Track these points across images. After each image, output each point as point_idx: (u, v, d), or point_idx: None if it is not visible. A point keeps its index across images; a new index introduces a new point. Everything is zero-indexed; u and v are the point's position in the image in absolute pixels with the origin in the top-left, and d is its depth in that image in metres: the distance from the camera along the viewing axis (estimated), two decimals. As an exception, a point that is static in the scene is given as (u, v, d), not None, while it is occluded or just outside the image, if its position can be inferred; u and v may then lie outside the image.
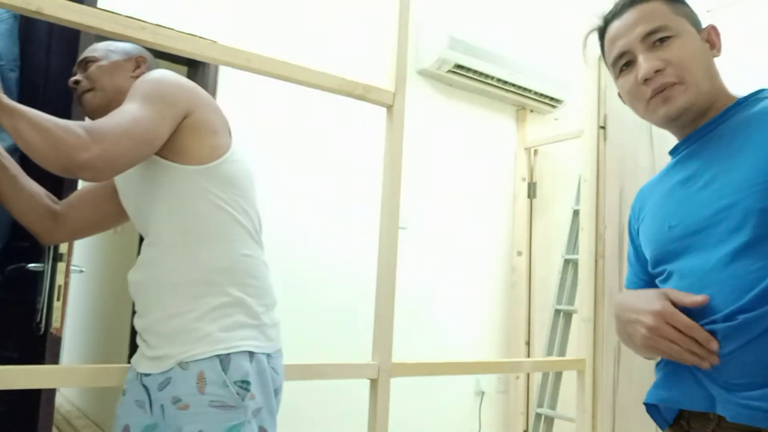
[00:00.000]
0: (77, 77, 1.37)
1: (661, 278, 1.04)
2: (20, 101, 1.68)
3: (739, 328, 0.86)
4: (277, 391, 1.27)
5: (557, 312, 3.05)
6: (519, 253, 3.40)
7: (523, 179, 3.44)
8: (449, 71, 3.03)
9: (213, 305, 1.20)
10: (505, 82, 3.18)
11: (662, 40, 0.98)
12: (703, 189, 0.96)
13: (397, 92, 1.79)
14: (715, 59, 1.03)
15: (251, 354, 1.19)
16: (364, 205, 2.76)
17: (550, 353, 3.02)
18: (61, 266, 1.68)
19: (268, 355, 1.24)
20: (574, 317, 2.98)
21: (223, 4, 2.49)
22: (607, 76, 2.59)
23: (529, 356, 3.32)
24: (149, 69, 1.37)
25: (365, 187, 2.79)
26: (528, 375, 3.30)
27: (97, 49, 1.39)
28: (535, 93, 3.30)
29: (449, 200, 3.18)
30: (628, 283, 1.21)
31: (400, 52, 1.81)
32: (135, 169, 1.26)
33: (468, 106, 3.29)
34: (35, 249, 1.70)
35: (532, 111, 3.48)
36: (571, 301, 3.02)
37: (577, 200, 3.01)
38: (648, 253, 1.07)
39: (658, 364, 1.05)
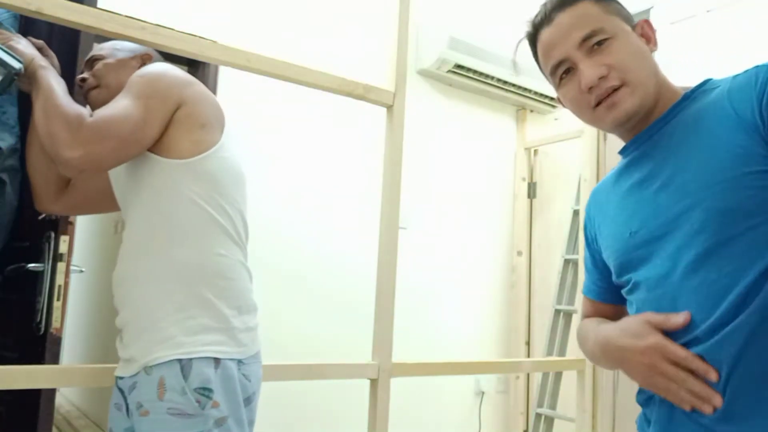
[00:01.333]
0: (84, 75, 1.38)
1: (626, 288, 0.99)
2: (20, 101, 1.69)
3: (723, 342, 0.81)
4: (249, 399, 1.22)
5: (557, 312, 3.05)
6: (519, 253, 3.40)
7: (523, 179, 3.44)
8: (449, 71, 3.03)
9: (179, 305, 1.16)
10: (505, 82, 3.18)
11: (600, 43, 0.93)
12: (661, 190, 0.92)
13: (397, 92, 1.79)
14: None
15: (216, 360, 1.14)
16: (364, 205, 2.76)
17: (550, 353, 3.02)
18: (61, 266, 1.68)
19: (239, 361, 1.19)
20: (574, 317, 2.98)
21: (223, 4, 2.49)
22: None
23: (529, 356, 3.32)
24: None
25: (365, 187, 2.79)
26: (528, 375, 3.30)
27: (103, 47, 1.40)
28: (535, 93, 3.30)
29: (449, 200, 3.18)
30: (586, 290, 1.16)
31: (400, 52, 1.81)
32: None
33: (468, 106, 3.29)
34: (35, 249, 1.70)
35: (532, 111, 3.48)
36: (571, 301, 3.02)
37: (577, 200, 3.01)
38: (611, 262, 1.03)
39: (648, 400, 0.98)
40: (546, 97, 3.34)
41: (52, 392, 1.73)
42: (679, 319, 0.85)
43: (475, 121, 3.32)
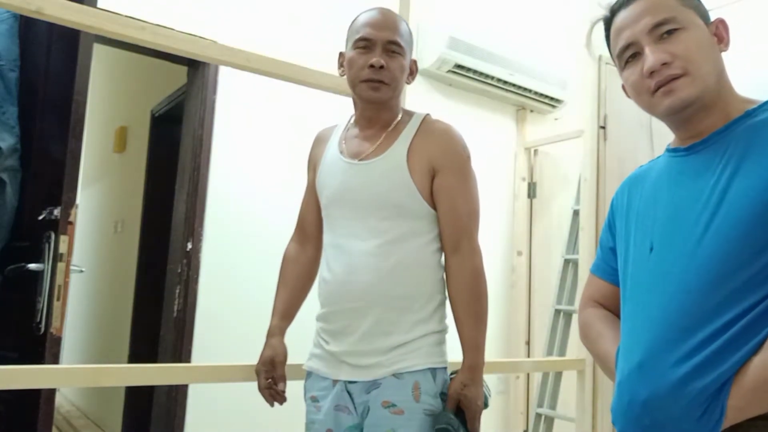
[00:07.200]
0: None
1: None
2: (20, 101, 1.69)
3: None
4: None
5: (557, 312, 3.05)
6: (519, 253, 3.40)
7: (523, 179, 3.44)
8: (449, 71, 3.03)
9: (425, 316, 1.32)
10: (505, 82, 3.18)
11: (669, 32, 0.96)
12: (696, 217, 0.93)
13: (397, 92, 1.78)
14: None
15: (445, 369, 1.33)
16: (364, 205, 2.75)
17: (550, 353, 3.01)
18: (61, 266, 1.68)
19: None
20: (574, 317, 2.98)
21: (223, 4, 2.49)
22: (608, 76, 2.59)
23: (529, 356, 3.32)
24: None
25: (365, 187, 2.78)
26: (528, 375, 3.30)
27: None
28: (535, 93, 3.30)
29: (449, 200, 3.17)
30: (595, 268, 1.19)
31: (400, 52, 1.80)
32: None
33: (468, 106, 3.29)
34: (35, 249, 1.70)
35: (532, 111, 3.48)
36: (571, 301, 3.02)
37: (577, 200, 3.00)
38: (618, 264, 1.07)
39: None
40: (546, 97, 3.34)
41: (52, 392, 1.73)
42: None
43: (475, 121, 3.32)
